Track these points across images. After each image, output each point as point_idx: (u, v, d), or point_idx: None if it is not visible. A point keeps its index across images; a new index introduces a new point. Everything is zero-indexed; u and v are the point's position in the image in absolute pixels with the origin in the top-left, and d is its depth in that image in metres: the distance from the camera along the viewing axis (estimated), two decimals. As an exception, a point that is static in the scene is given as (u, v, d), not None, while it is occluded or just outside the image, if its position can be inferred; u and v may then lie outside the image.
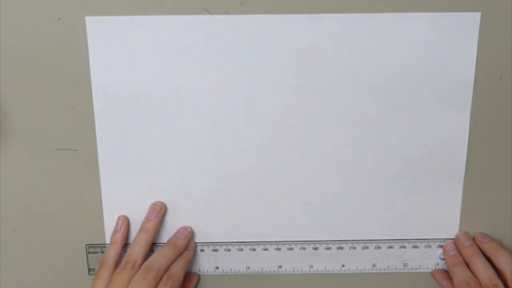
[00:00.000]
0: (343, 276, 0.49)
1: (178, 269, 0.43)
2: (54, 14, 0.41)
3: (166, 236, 0.47)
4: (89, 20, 0.41)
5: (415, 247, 0.48)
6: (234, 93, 0.43)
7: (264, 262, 0.48)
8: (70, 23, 0.41)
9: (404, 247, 0.48)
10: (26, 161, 0.45)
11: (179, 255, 0.45)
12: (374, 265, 0.48)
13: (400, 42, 0.42)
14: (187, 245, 0.46)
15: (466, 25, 0.42)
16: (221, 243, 0.47)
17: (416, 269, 0.48)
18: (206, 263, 0.48)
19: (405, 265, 0.48)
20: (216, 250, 0.47)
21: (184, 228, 0.46)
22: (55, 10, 0.41)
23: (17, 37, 0.41)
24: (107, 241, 0.47)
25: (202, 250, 0.47)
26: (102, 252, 0.47)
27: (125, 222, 0.46)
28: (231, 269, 0.48)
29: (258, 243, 0.47)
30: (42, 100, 0.43)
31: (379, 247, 0.47)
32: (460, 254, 0.46)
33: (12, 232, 0.47)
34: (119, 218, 0.46)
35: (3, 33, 0.41)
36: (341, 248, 0.47)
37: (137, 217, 0.46)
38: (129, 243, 0.46)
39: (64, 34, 0.41)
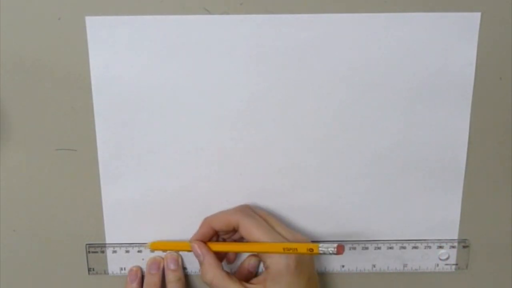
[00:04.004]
0: (343, 276, 0.48)
1: None
2: (54, 14, 0.41)
3: (166, 237, 0.47)
4: (89, 20, 0.41)
5: (415, 247, 0.48)
6: (234, 93, 0.43)
7: (264, 262, 0.48)
8: (70, 23, 0.41)
9: (404, 247, 0.47)
10: (26, 161, 0.45)
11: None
12: (374, 266, 0.48)
13: (400, 42, 0.42)
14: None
15: (466, 25, 0.42)
16: (221, 243, 0.47)
17: (416, 269, 0.48)
18: (206, 263, 0.48)
19: (405, 265, 0.48)
20: (216, 250, 0.47)
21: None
22: (55, 10, 0.41)
23: (17, 37, 0.42)
24: (107, 241, 0.47)
25: (202, 250, 0.47)
26: (102, 252, 0.47)
27: (139, 273, 0.47)
28: (231, 269, 0.48)
29: (258, 243, 0.47)
30: (42, 100, 0.43)
31: (379, 248, 0.47)
32: None
33: (12, 232, 0.47)
34: (131, 270, 0.47)
35: (3, 33, 0.41)
36: (341, 248, 0.47)
37: (137, 217, 0.46)
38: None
39: (64, 34, 0.42)
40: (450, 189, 0.46)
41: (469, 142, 0.45)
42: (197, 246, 0.43)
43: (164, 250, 0.47)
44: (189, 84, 0.43)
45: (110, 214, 0.46)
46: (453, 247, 0.48)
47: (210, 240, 0.45)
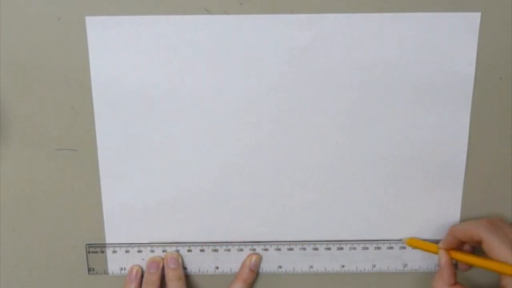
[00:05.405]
0: (343, 277, 0.48)
1: None
2: (54, 14, 0.41)
3: (166, 237, 0.47)
4: (89, 20, 0.41)
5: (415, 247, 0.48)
6: (234, 93, 0.43)
7: (264, 262, 0.48)
8: (70, 23, 0.41)
9: (404, 247, 0.47)
10: (26, 161, 0.45)
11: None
12: (374, 266, 0.48)
13: (400, 42, 0.42)
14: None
15: (466, 25, 0.42)
16: (221, 243, 0.47)
17: (416, 269, 0.48)
18: (206, 263, 0.48)
19: (405, 265, 0.48)
20: (216, 250, 0.47)
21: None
22: (55, 10, 0.41)
23: (17, 37, 0.42)
24: (107, 241, 0.47)
25: (202, 250, 0.47)
26: (102, 252, 0.47)
27: (139, 273, 0.47)
28: (231, 269, 0.48)
29: (258, 243, 0.47)
30: (42, 100, 0.43)
31: (379, 248, 0.47)
32: None
33: (12, 232, 0.47)
34: (131, 269, 0.47)
35: (3, 33, 0.41)
36: (341, 248, 0.47)
37: (137, 217, 0.46)
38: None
39: (64, 34, 0.42)
40: (450, 189, 0.46)
41: (469, 142, 0.45)
42: (440, 255, 0.45)
43: (416, 247, 0.47)
44: (189, 84, 0.43)
45: (110, 214, 0.46)
46: (453, 247, 0.48)
47: (456, 247, 0.45)
